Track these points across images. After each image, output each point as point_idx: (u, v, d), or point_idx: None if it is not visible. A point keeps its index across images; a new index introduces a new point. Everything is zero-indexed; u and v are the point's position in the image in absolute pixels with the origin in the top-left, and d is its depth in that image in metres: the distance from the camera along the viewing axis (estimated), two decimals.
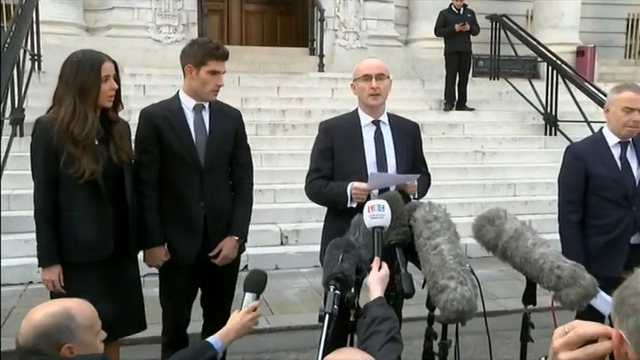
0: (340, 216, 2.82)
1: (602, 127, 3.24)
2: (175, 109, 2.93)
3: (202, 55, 2.84)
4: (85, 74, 2.63)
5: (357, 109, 3.06)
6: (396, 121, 3.08)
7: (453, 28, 8.78)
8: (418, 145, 3.13)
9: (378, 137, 2.97)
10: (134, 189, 2.84)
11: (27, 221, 5.20)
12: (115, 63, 2.75)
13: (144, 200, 2.88)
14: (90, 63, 2.65)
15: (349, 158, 2.93)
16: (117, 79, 2.74)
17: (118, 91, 2.76)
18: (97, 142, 2.68)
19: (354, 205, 2.81)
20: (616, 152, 3.14)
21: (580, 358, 1.04)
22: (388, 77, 2.99)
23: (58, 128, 2.60)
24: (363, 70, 2.94)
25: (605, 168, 3.12)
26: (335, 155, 2.97)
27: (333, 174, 2.97)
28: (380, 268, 2.06)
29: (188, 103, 2.93)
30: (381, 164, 2.92)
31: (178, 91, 2.99)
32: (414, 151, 3.07)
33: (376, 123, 2.99)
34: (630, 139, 3.15)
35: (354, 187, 2.82)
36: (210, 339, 2.12)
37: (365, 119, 2.99)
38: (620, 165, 3.12)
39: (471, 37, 8.93)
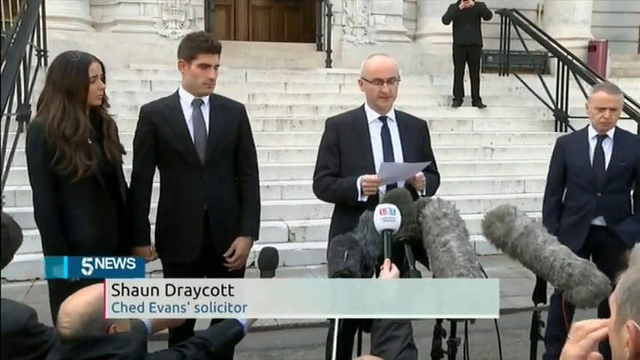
0: (348, 212, 2.79)
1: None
2: (173, 105, 2.92)
3: (192, 48, 2.83)
4: (73, 76, 2.67)
5: (363, 105, 3.03)
6: (403, 118, 3.05)
7: (457, 7, 8.59)
8: (427, 143, 3.10)
9: (385, 133, 2.95)
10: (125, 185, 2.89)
11: (32, 217, 5.25)
12: (101, 63, 2.80)
13: (132, 197, 2.91)
14: (77, 65, 2.69)
15: (356, 155, 2.91)
16: (103, 79, 2.78)
17: (104, 91, 2.80)
18: (90, 142, 2.71)
19: (365, 199, 2.79)
20: (593, 144, 3.56)
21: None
22: (398, 77, 2.94)
23: (49, 128, 2.63)
24: (374, 74, 2.89)
25: (578, 157, 3.57)
26: (342, 152, 2.94)
27: (341, 171, 2.94)
28: (390, 269, 2.03)
29: (186, 99, 2.92)
30: (388, 160, 2.89)
31: (178, 88, 2.98)
32: (422, 149, 3.04)
33: (383, 119, 2.97)
34: (609, 133, 3.55)
35: (364, 179, 2.79)
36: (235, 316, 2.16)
37: (372, 115, 2.97)
38: (592, 155, 3.54)
39: (481, 30, 8.75)
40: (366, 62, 2.97)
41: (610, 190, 3.50)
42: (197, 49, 2.81)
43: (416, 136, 3.03)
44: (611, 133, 3.55)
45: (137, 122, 2.95)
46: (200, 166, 2.89)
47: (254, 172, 3.08)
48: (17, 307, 2.05)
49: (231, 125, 2.97)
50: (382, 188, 2.82)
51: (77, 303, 1.86)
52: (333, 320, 1.81)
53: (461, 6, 8.58)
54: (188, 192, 2.90)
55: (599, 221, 3.51)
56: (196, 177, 2.88)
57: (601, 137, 3.54)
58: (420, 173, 2.86)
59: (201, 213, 2.90)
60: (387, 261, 2.03)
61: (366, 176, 2.79)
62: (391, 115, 2.99)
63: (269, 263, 2.23)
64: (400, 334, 1.81)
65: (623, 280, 1.05)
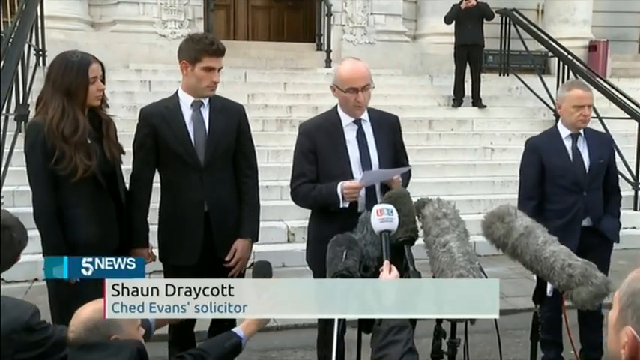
0: (326, 218, 2.82)
1: (557, 122, 3.65)
2: (173, 106, 2.90)
3: (196, 51, 2.80)
4: (73, 76, 2.66)
5: (336, 108, 2.98)
6: (375, 116, 3.00)
7: (459, 7, 8.59)
8: (399, 137, 3.07)
9: (361, 136, 2.91)
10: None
11: (32, 218, 5.24)
12: (101, 64, 2.79)
13: (131, 199, 2.90)
14: (77, 65, 2.68)
15: (333, 161, 2.87)
16: (103, 79, 2.78)
17: (103, 91, 2.80)
18: (89, 142, 2.71)
19: (347, 205, 2.77)
20: (568, 143, 3.47)
21: None
22: (372, 83, 2.89)
23: (48, 128, 2.62)
24: (348, 82, 2.82)
25: (557, 158, 3.45)
26: (318, 158, 2.90)
27: (318, 177, 2.91)
28: (390, 271, 2.02)
29: (186, 100, 2.90)
30: (365, 163, 2.87)
31: (178, 89, 2.96)
32: (395, 144, 3.02)
33: (357, 122, 2.92)
34: (581, 132, 3.48)
35: (345, 186, 2.75)
36: (233, 329, 2.18)
37: (346, 119, 2.92)
38: (571, 155, 3.45)
39: (483, 30, 8.74)
40: (339, 69, 2.91)
41: (593, 188, 3.45)
42: (202, 52, 2.78)
43: (389, 133, 2.99)
44: (581, 131, 3.48)
45: (137, 124, 2.94)
46: (200, 167, 2.87)
47: (253, 173, 3.06)
48: (20, 304, 2.07)
49: (231, 126, 2.95)
50: (362, 192, 2.80)
51: (88, 309, 1.90)
52: (326, 321, 1.80)
53: (463, 6, 8.57)
54: (188, 194, 2.89)
55: (585, 222, 3.44)
56: (196, 179, 2.87)
57: (575, 136, 3.46)
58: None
59: (201, 215, 2.89)
60: (386, 263, 2.01)
61: (347, 183, 2.76)
62: (365, 116, 2.94)
63: (263, 277, 2.19)
64: (401, 338, 1.79)
65: (630, 282, 1.07)
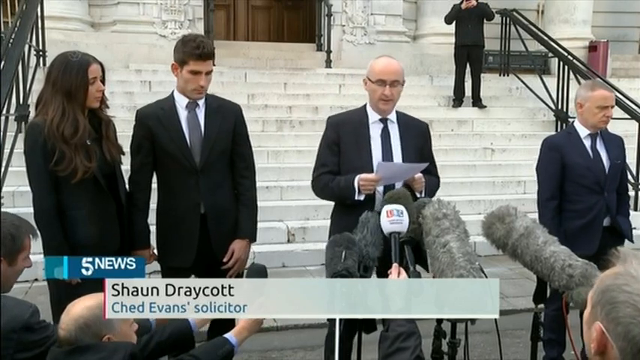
0: (347, 212, 2.79)
1: (573, 121, 3.62)
2: (168, 108, 2.89)
3: (183, 53, 2.79)
4: (73, 77, 2.66)
5: (365, 105, 3.02)
6: (404, 120, 3.03)
7: (459, 7, 8.58)
8: (427, 145, 3.09)
9: (385, 135, 2.94)
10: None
11: (32, 218, 5.21)
12: (101, 64, 2.79)
13: (131, 201, 2.90)
14: (77, 66, 2.67)
15: (355, 154, 2.90)
16: (103, 80, 2.77)
17: (103, 92, 2.79)
18: (89, 143, 2.71)
19: (362, 198, 2.78)
20: (587, 143, 3.46)
21: None
22: (403, 82, 2.93)
23: (48, 130, 2.62)
24: (379, 74, 2.88)
25: (578, 157, 3.43)
26: (341, 151, 2.93)
27: (340, 170, 2.93)
28: (399, 274, 2.01)
29: (181, 101, 2.90)
30: (387, 161, 2.88)
31: (173, 90, 2.95)
32: (422, 152, 3.02)
33: (384, 121, 2.96)
34: (598, 131, 3.48)
35: (361, 178, 2.78)
36: (226, 335, 2.16)
37: (373, 116, 2.96)
38: (591, 154, 3.45)
39: (484, 31, 8.74)
40: (373, 62, 2.96)
41: (612, 188, 3.47)
42: (188, 55, 2.78)
43: (416, 138, 3.01)
44: (599, 131, 3.48)
45: (133, 126, 2.94)
46: (195, 169, 2.87)
47: (251, 174, 3.05)
48: (19, 303, 2.06)
49: (227, 128, 2.94)
50: (380, 188, 2.81)
51: (79, 306, 1.87)
52: (333, 321, 1.79)
53: (463, 6, 8.57)
54: (184, 196, 2.88)
55: (605, 222, 3.44)
56: (192, 180, 2.86)
57: (593, 136, 3.46)
58: (419, 174, 2.84)
59: (197, 217, 2.88)
60: (395, 266, 1.99)
61: (364, 175, 2.78)
62: (392, 117, 2.98)
63: None
64: (408, 345, 1.77)
65: (600, 280, 1.12)
